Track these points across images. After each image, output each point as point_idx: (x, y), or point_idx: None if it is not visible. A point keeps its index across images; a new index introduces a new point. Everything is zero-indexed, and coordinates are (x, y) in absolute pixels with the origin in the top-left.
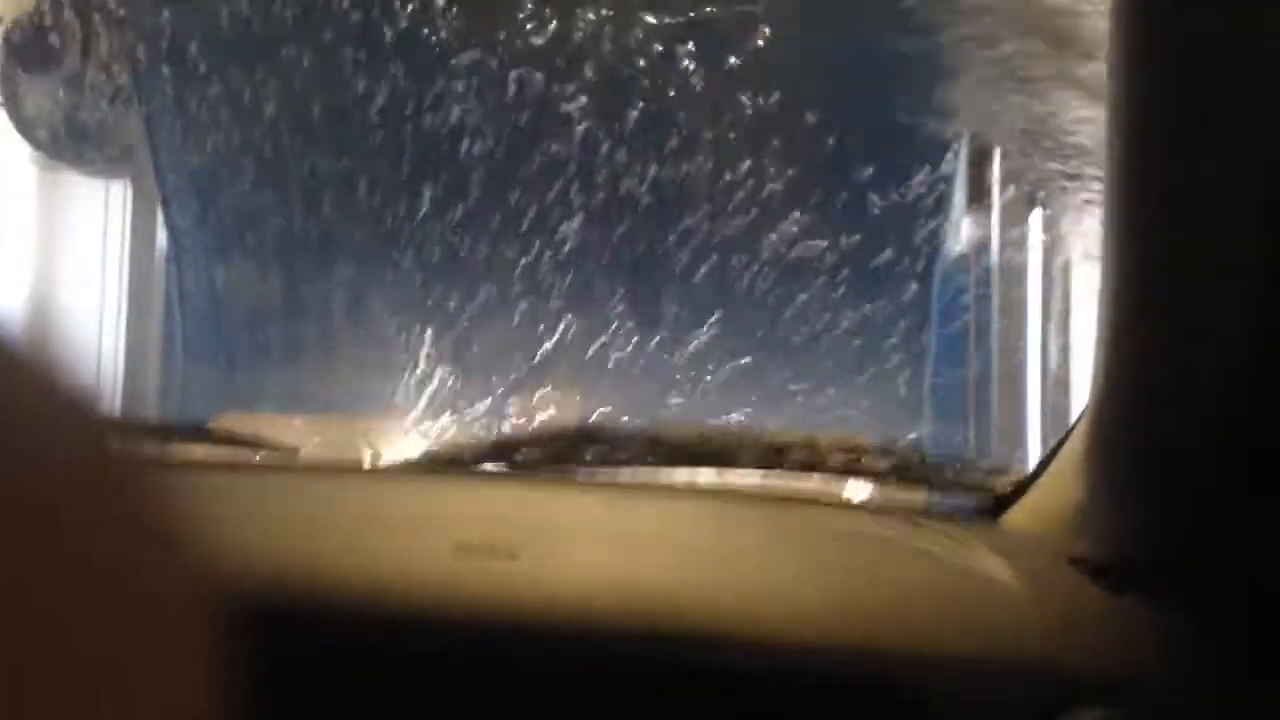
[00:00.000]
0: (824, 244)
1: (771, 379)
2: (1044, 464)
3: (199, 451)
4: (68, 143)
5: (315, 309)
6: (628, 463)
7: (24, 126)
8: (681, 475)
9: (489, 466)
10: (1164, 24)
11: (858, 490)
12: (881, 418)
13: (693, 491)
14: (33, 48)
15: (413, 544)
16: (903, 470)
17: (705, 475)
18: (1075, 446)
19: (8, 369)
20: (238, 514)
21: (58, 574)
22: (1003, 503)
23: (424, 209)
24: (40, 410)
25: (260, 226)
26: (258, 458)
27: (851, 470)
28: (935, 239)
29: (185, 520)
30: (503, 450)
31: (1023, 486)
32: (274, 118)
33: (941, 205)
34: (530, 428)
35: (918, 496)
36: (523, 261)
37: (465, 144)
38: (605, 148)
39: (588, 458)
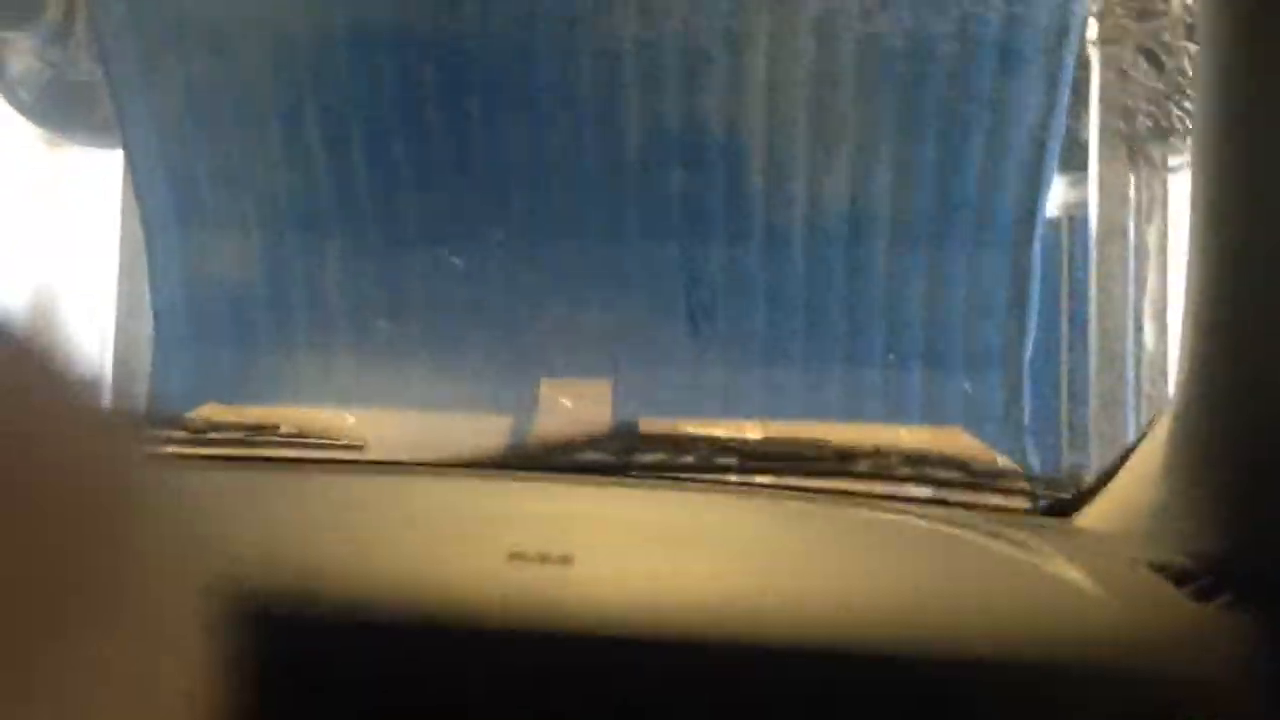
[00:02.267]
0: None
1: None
2: (1118, 464)
3: (241, 445)
4: (53, 105)
5: (307, 292)
6: (689, 467)
7: (7, 88)
8: (745, 480)
9: (546, 468)
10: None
11: (923, 494)
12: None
13: (756, 495)
14: (14, 1)
15: (467, 548)
16: (969, 476)
17: (769, 480)
18: (1154, 446)
19: (26, 370)
20: (283, 512)
21: (76, 573)
22: (1072, 505)
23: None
24: (71, 410)
25: (256, 199)
26: (309, 453)
27: (918, 479)
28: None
29: (208, 518)
30: (561, 451)
31: (1094, 488)
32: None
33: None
34: (589, 430)
35: (987, 499)
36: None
37: (492, 130)
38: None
39: (647, 461)
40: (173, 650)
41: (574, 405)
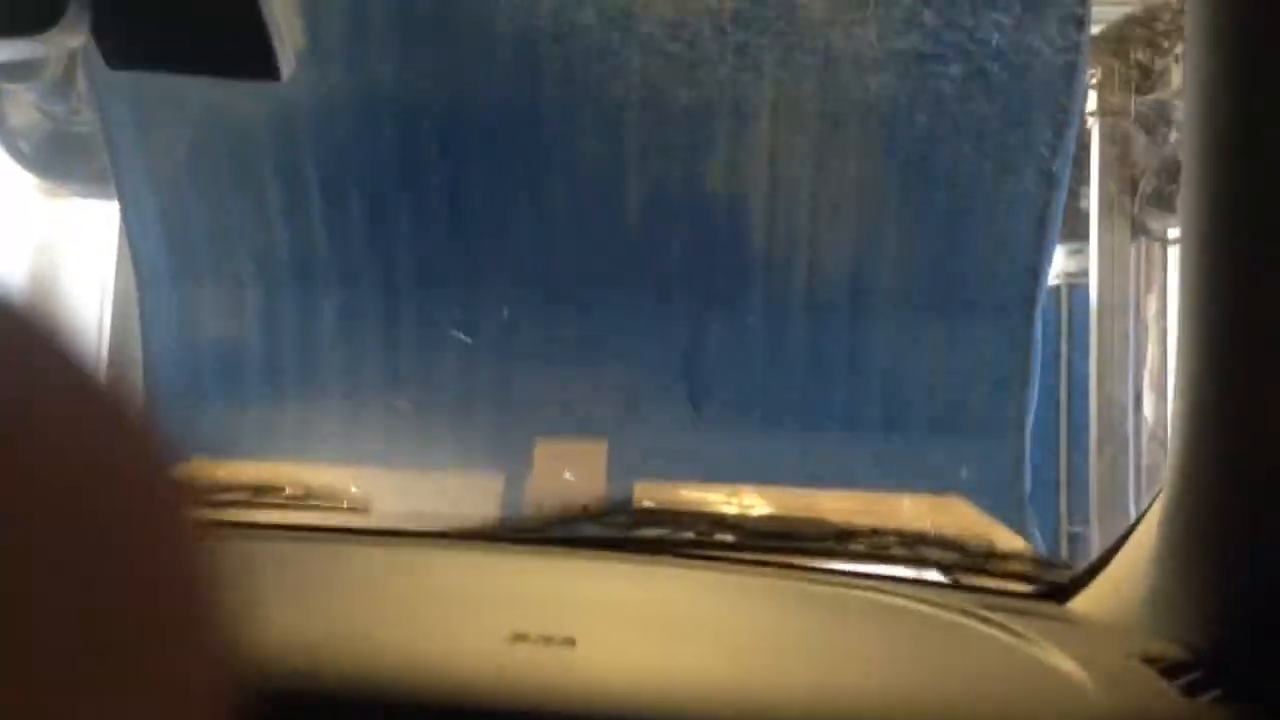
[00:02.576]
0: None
1: (864, 433)
2: (1111, 552)
3: (244, 507)
4: (53, 157)
5: (299, 344)
6: (689, 543)
7: (8, 139)
8: (746, 558)
9: (546, 541)
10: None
11: (921, 576)
12: (983, 479)
13: (755, 574)
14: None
15: (469, 628)
16: (964, 558)
17: (770, 559)
18: (1147, 535)
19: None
20: (285, 583)
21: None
22: (1066, 590)
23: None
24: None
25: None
26: (312, 517)
27: (914, 559)
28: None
29: (223, 586)
30: (561, 525)
31: (1087, 575)
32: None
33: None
34: (589, 503)
35: (981, 583)
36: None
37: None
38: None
39: (647, 536)
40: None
41: (569, 467)
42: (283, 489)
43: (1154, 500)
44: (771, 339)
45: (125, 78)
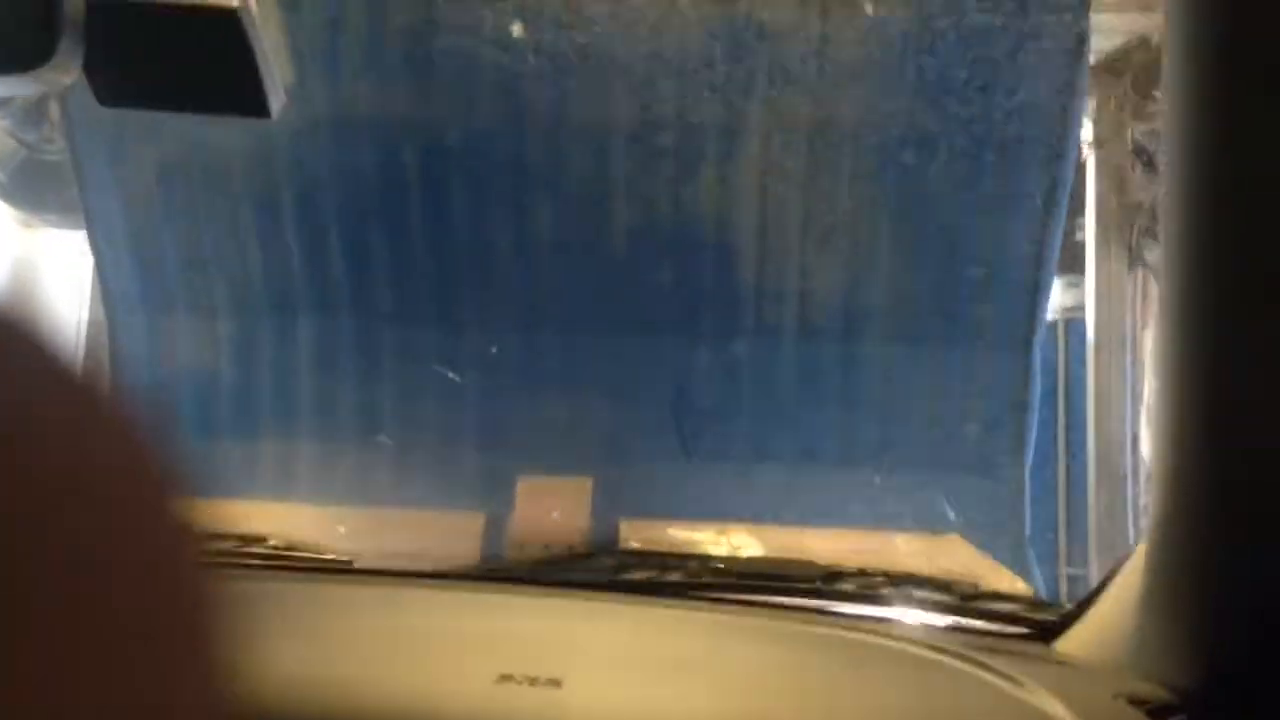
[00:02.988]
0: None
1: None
2: (1096, 592)
3: (226, 556)
4: (27, 185)
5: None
6: (676, 585)
7: None
8: (732, 599)
9: (532, 583)
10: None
11: (909, 616)
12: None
13: (743, 615)
14: None
15: (456, 668)
16: (953, 599)
17: (755, 599)
18: (1133, 574)
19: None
20: (270, 618)
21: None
22: (1053, 631)
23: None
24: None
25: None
26: (292, 558)
27: (902, 600)
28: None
29: (219, 604)
30: (548, 568)
31: (1072, 616)
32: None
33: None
34: (579, 546)
35: (969, 624)
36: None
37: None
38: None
39: (634, 579)
40: None
41: (553, 504)
42: (266, 539)
43: (1140, 542)
44: (762, 371)
45: (97, 104)
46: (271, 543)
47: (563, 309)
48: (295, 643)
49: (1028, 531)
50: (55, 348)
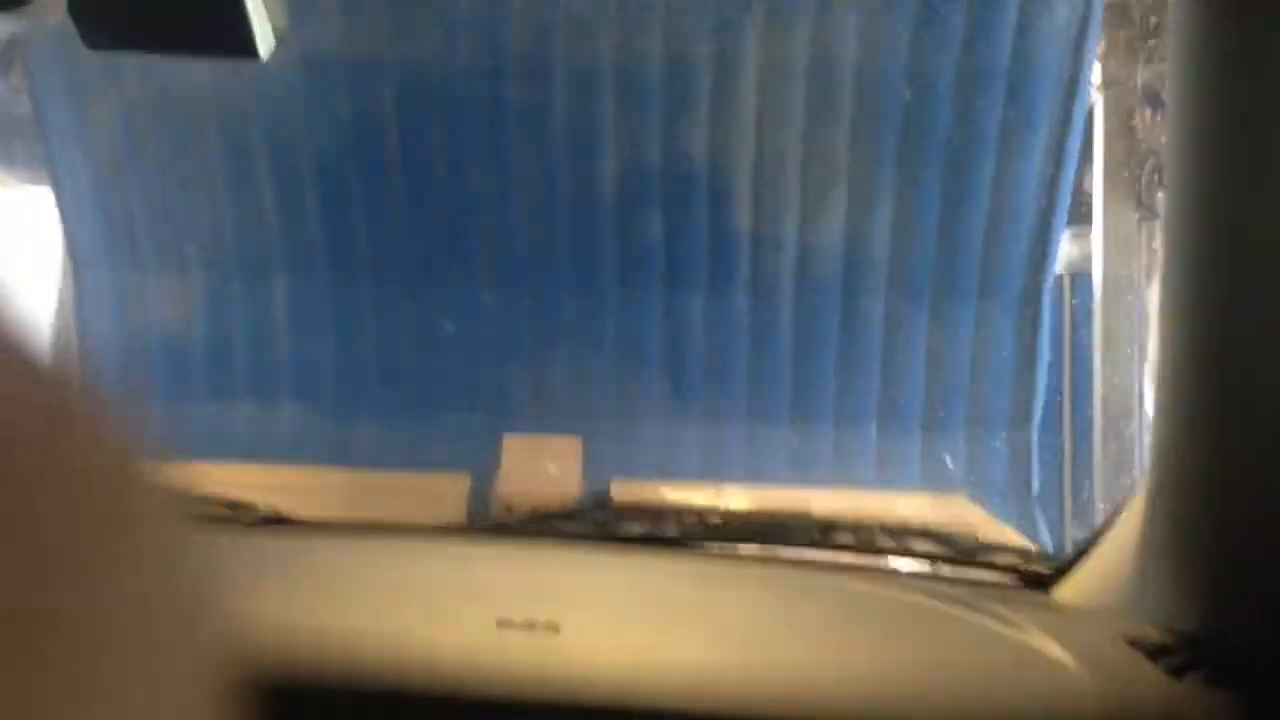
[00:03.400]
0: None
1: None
2: (1095, 538)
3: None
4: None
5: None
6: (671, 539)
7: None
8: (729, 549)
9: (526, 537)
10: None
11: (906, 567)
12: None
13: (739, 565)
14: None
15: (456, 615)
16: (949, 550)
17: (752, 550)
18: (1131, 520)
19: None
20: (273, 576)
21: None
22: (1051, 579)
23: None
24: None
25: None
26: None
27: (900, 552)
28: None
29: (210, 584)
30: (541, 521)
31: (1071, 563)
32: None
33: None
34: (577, 499)
35: (966, 573)
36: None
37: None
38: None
39: (629, 531)
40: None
41: (541, 464)
42: (255, 507)
43: (1137, 488)
44: (759, 324)
45: (59, 53)
46: (258, 507)
47: (548, 260)
48: (292, 598)
49: (1035, 491)
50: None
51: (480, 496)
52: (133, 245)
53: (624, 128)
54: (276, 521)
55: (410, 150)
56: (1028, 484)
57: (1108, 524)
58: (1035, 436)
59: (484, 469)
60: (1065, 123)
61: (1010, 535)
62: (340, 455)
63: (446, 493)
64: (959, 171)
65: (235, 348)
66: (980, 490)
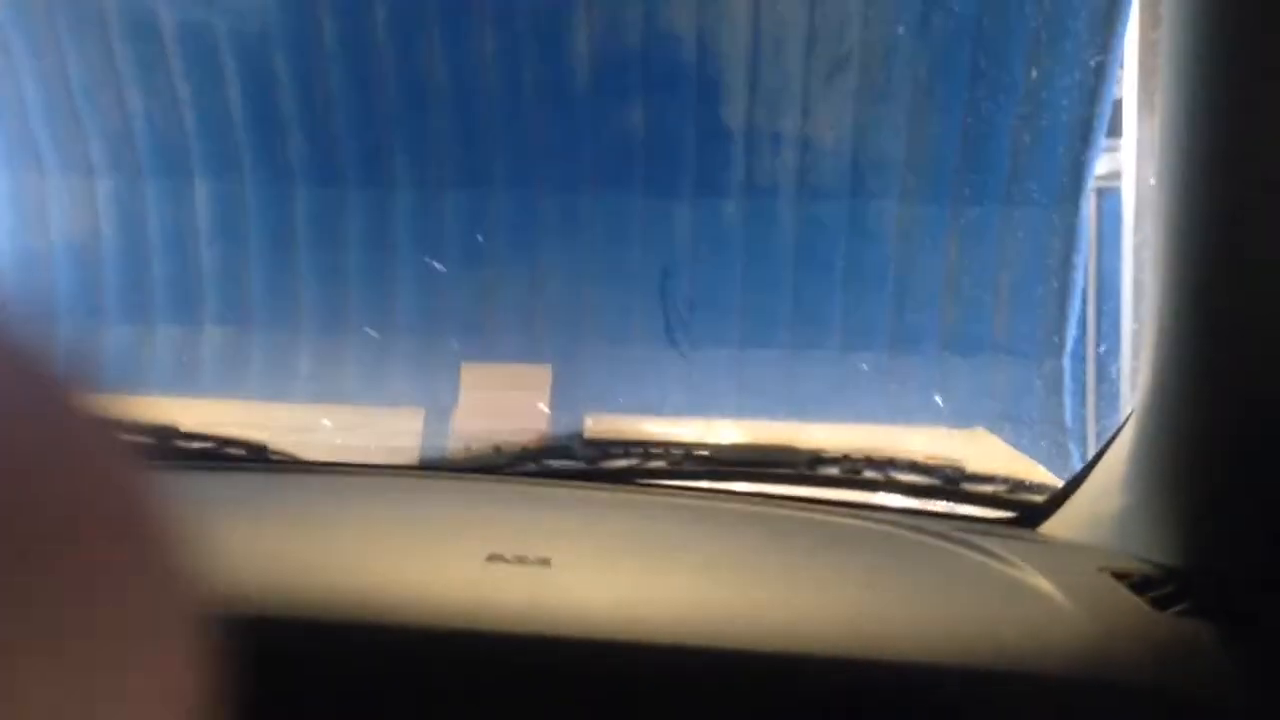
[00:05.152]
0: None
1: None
2: (1083, 474)
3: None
4: None
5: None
6: (660, 474)
7: None
8: (717, 485)
9: (509, 474)
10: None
11: (894, 500)
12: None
13: (727, 500)
14: None
15: (445, 548)
16: (937, 482)
17: (741, 486)
18: (1118, 455)
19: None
20: (259, 512)
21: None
22: (1039, 513)
23: None
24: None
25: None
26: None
27: (886, 483)
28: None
29: (179, 521)
30: (534, 456)
31: (1060, 497)
32: None
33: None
34: (563, 435)
35: (954, 507)
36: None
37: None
38: None
39: (621, 466)
40: (160, 650)
41: (505, 395)
42: (202, 434)
43: (1124, 423)
44: (753, 235)
45: None
46: (241, 444)
47: (513, 161)
48: (277, 535)
49: (1069, 423)
50: None
51: (437, 430)
52: (26, 143)
53: (597, 4)
54: (260, 459)
55: (351, 35)
56: (1060, 415)
57: (1096, 458)
58: (1068, 363)
59: (440, 402)
60: (1112, 4)
61: (1037, 472)
62: (275, 387)
63: (398, 429)
64: (989, 57)
65: (152, 262)
66: (1005, 423)
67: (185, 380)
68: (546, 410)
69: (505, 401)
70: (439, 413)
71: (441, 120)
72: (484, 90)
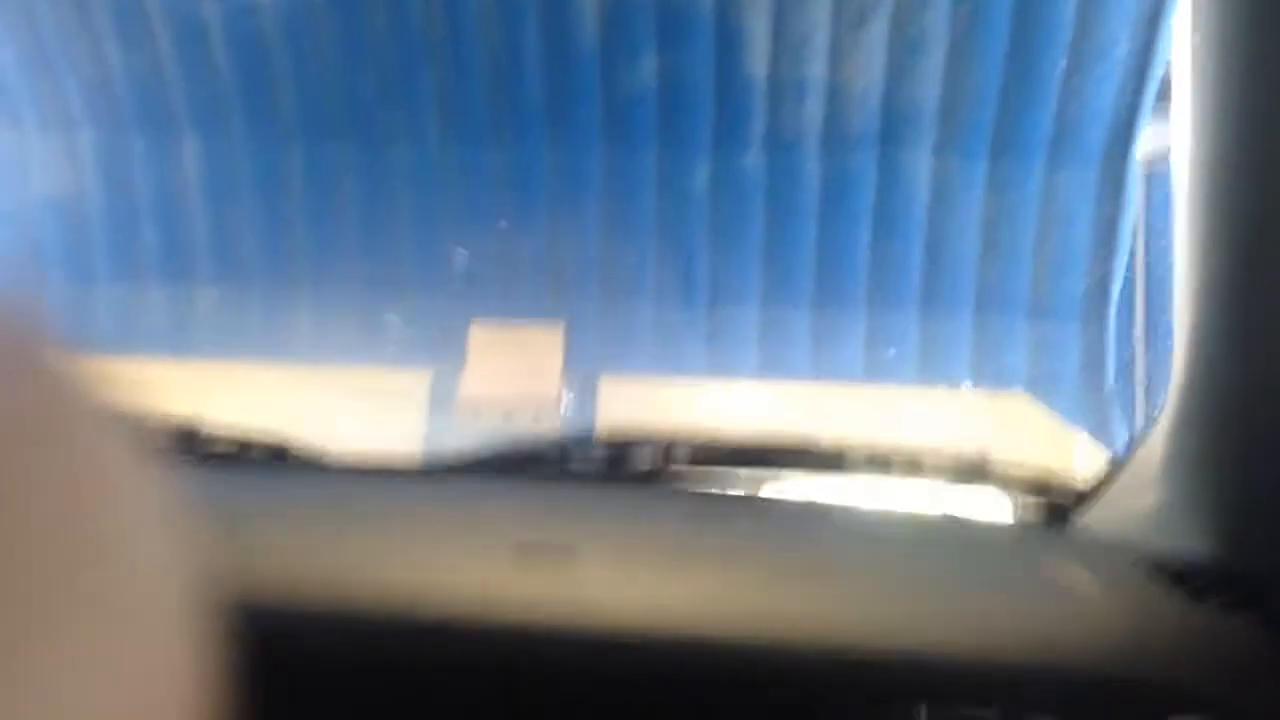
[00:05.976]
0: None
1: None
2: (1119, 464)
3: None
4: None
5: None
6: (687, 469)
7: None
8: (745, 481)
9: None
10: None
11: (924, 493)
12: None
13: (752, 495)
14: None
15: (470, 545)
16: (968, 474)
17: (768, 480)
18: (1154, 445)
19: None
20: (285, 513)
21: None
22: (1076, 505)
23: None
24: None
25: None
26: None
27: (915, 474)
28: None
29: (188, 509)
30: (557, 454)
31: (1097, 488)
32: None
33: None
34: (599, 432)
35: (988, 500)
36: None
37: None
38: None
39: (644, 462)
40: (167, 644)
41: (516, 357)
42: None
43: (1161, 411)
44: (776, 189)
45: None
46: (263, 444)
47: (518, 112)
48: (298, 532)
49: (1109, 388)
50: None
51: (443, 395)
52: (8, 99)
53: None
54: (281, 458)
55: None
56: (1101, 380)
57: (1131, 449)
58: (1112, 325)
59: (447, 364)
60: None
61: (1075, 439)
62: (272, 348)
63: (403, 391)
64: (1032, 8)
65: (141, 221)
66: (1044, 385)
67: (172, 342)
68: (559, 373)
69: (516, 362)
70: (446, 374)
71: (445, 71)
72: (487, 39)
